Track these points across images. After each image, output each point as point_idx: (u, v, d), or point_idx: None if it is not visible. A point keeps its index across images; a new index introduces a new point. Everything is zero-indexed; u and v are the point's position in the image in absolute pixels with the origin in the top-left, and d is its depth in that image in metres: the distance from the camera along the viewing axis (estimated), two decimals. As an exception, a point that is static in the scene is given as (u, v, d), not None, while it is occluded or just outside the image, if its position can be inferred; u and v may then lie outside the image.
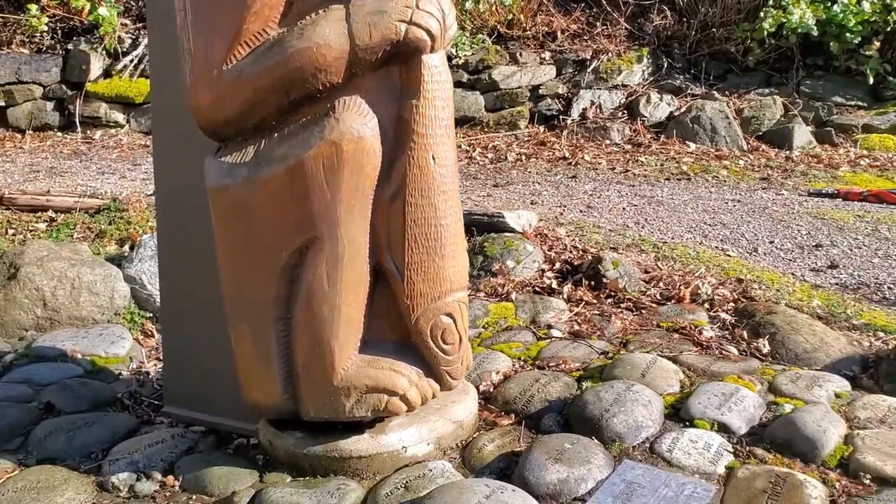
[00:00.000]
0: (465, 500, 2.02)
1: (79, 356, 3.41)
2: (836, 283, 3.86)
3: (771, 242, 4.40)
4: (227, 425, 2.72)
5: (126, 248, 4.24)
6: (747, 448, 2.38)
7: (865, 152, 6.46)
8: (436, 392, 2.39)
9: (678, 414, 2.55)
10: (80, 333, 3.58)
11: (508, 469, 2.35)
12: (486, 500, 2.03)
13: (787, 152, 6.45)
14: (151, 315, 3.79)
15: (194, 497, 2.35)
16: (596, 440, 2.40)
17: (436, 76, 2.24)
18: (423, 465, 2.36)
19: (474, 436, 2.56)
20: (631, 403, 2.51)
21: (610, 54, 7.26)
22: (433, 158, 2.25)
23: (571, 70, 7.32)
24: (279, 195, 2.17)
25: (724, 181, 5.71)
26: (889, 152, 6.43)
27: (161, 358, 3.52)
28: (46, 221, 4.58)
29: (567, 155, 6.30)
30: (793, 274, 3.97)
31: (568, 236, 4.23)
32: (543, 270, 3.94)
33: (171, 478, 2.45)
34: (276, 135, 2.21)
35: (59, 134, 7.37)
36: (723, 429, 2.46)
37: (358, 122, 2.17)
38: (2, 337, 3.61)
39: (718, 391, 2.61)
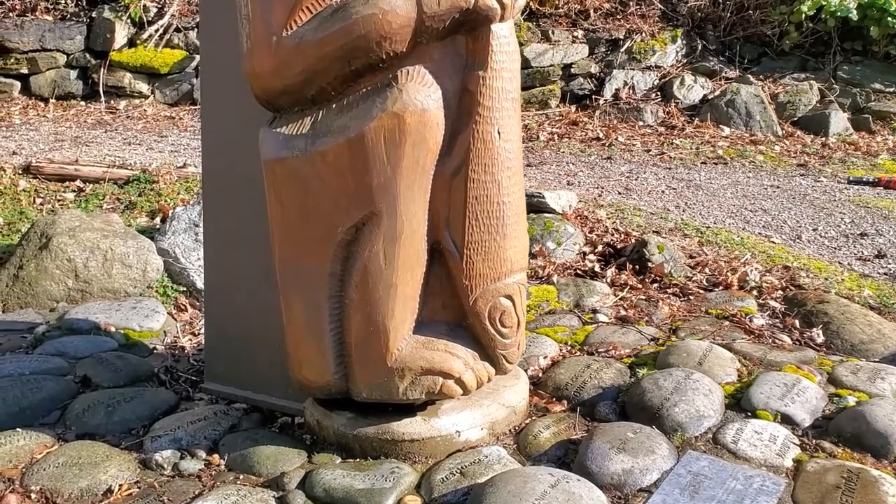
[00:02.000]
0: (529, 489, 1.94)
1: (112, 329, 3.35)
2: (885, 273, 3.76)
3: (814, 230, 4.29)
4: (270, 403, 2.65)
5: (157, 220, 4.17)
6: (814, 441, 2.29)
7: (905, 140, 6.33)
8: (491, 376, 2.32)
9: (739, 404, 2.46)
10: (112, 306, 3.51)
11: (566, 457, 2.28)
12: (551, 489, 1.95)
13: (823, 139, 6.31)
14: (185, 289, 3.72)
15: (241, 477, 2.28)
16: (656, 429, 2.32)
17: (504, 46, 2.14)
18: (477, 450, 2.29)
19: (527, 422, 2.48)
20: (691, 392, 2.43)
21: (643, 34, 7.11)
22: (498, 133, 2.16)
23: (604, 49, 7.19)
24: (337, 168, 2.09)
25: (761, 167, 5.59)
26: (929, 140, 6.30)
27: (196, 333, 3.46)
28: (74, 191, 4.51)
29: (600, 135, 6.19)
30: (839, 263, 3.87)
31: (609, 218, 4.13)
32: (585, 253, 3.85)
33: (216, 456, 2.38)
34: (334, 105, 2.12)
35: (83, 103, 7.29)
36: (786, 420, 2.38)
37: (422, 93, 2.08)
38: (33, 308, 3.55)
39: (779, 381, 2.52)
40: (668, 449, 2.21)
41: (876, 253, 4.01)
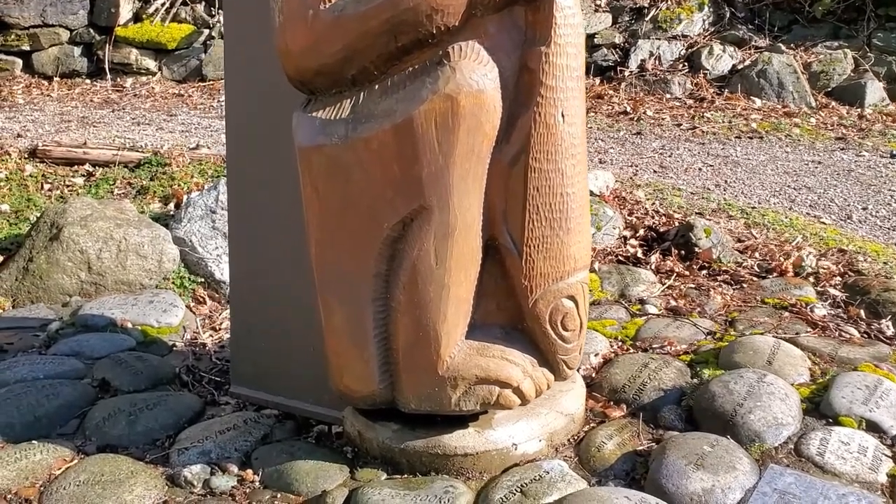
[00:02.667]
0: (605, 517, 1.74)
1: (129, 325, 3.15)
2: (947, 256, 3.54)
3: (864, 209, 4.07)
4: (304, 410, 2.45)
5: (171, 206, 3.95)
6: (906, 452, 2.09)
7: (944, 111, 6.06)
8: (550, 383, 2.11)
9: (818, 409, 2.26)
10: (128, 300, 3.31)
11: (634, 471, 2.08)
12: (628, 515, 1.75)
13: (859, 110, 6.06)
14: (203, 280, 3.52)
15: (279, 496, 2.09)
16: (733, 440, 2.12)
17: (569, 18, 1.91)
18: (536, 464, 2.09)
19: (585, 430, 2.28)
20: (767, 397, 2.22)
21: (669, 2, 6.83)
22: (562, 115, 1.93)
23: (628, 18, 6.90)
24: (382, 157, 1.87)
25: (798, 140, 5.35)
26: (970, 112, 6.03)
27: (216, 328, 3.26)
28: (84, 176, 4.29)
29: (628, 109, 5.93)
30: (896, 245, 3.65)
31: (648, 199, 3.91)
32: (625, 238, 3.63)
33: (249, 472, 2.19)
34: (377, 86, 1.90)
35: (88, 81, 7.04)
36: (872, 427, 2.17)
37: (477, 72, 1.85)
38: (45, 303, 3.35)
39: (860, 383, 2.32)
40: (748, 463, 2.00)
41: (933, 234, 3.79)
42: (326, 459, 2.18)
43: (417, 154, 1.85)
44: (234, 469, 2.21)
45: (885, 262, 3.38)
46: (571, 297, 2.04)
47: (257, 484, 2.15)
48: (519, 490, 1.98)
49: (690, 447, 2.02)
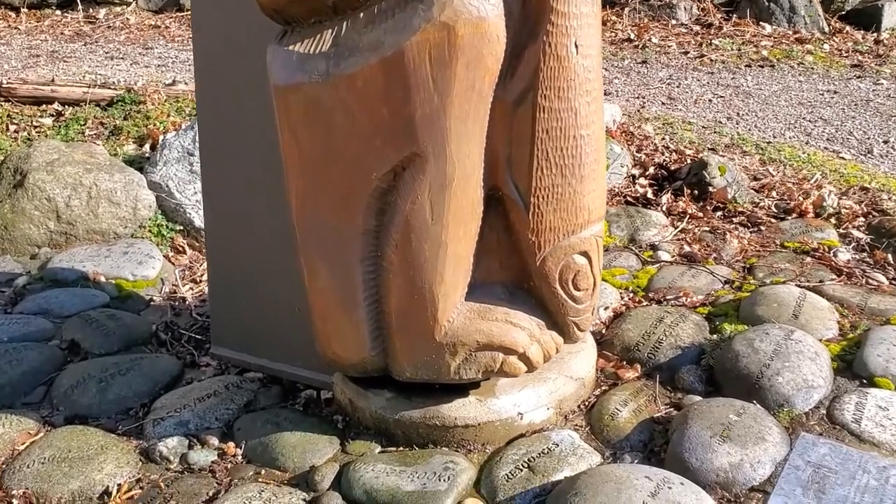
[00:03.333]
0: (625, 500, 1.56)
1: (102, 279, 2.93)
2: (975, 193, 3.31)
3: (885, 142, 3.82)
4: (291, 374, 2.25)
5: (146, 148, 3.69)
6: (950, 417, 1.90)
7: (962, 35, 5.76)
8: (559, 347, 1.91)
9: (851, 368, 2.07)
10: (101, 251, 3.08)
11: (653, 442, 1.89)
12: (651, 499, 1.57)
13: (875, 34, 5.75)
14: (182, 228, 3.28)
15: (263, 472, 1.91)
16: (756, 404, 1.93)
17: (584, -68, 1.64)
18: (544, 435, 1.91)
19: (596, 393, 2.09)
20: (795, 356, 2.03)
21: (673, -80, 6.41)
22: (576, 46, 1.68)
23: (630, -61, 6.50)
24: (369, 97, 1.63)
25: (812, 69, 5.06)
26: None
27: (197, 280, 3.05)
28: (52, 115, 4.01)
29: (632, 36, 5.61)
30: (922, 181, 3.42)
31: (657, 135, 3.66)
32: (634, 177, 3.39)
33: (230, 444, 2.01)
34: (362, 15, 1.64)
35: (59, 12, 6.65)
36: (911, 390, 1.99)
37: (477, -4, 1.59)
38: (11, 255, 3.12)
39: (895, 339, 2.12)
40: (778, 433, 1.82)
41: (959, 168, 3.56)
42: (315, 430, 2.00)
43: (409, 93, 1.61)
44: (215, 442, 2.03)
45: (910, 201, 3.16)
46: (584, 253, 1.83)
47: (240, 458, 1.97)
48: (526, 465, 1.80)
49: (715, 416, 1.83)
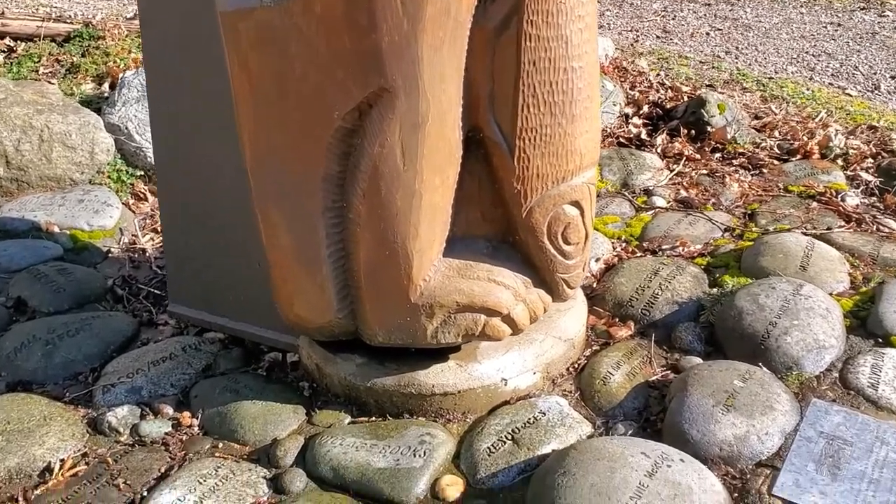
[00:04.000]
0: (620, 483, 1.39)
1: (56, 230, 2.71)
2: None
3: (893, 78, 3.61)
4: (253, 334, 2.06)
5: (105, 87, 3.43)
6: (973, 380, 1.74)
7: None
8: (547, 306, 1.73)
9: (865, 326, 1.90)
10: (55, 199, 2.86)
11: (648, 410, 1.72)
12: (648, 480, 1.40)
13: (879, -36, 5.46)
14: (143, 173, 3.06)
15: (221, 445, 1.74)
16: (763, 367, 1.76)
17: None
18: (530, 402, 1.73)
19: (586, 354, 1.92)
20: (805, 314, 1.85)
21: None
22: (566, -36, 1.45)
23: None
24: (328, 24, 1.40)
25: (814, 0, 4.80)
26: None
27: (158, 230, 2.83)
28: (3, 52, 3.73)
29: (624, -34, 5.31)
30: (932, 119, 3.22)
31: (652, 70, 3.42)
32: (627, 116, 3.17)
33: (186, 414, 1.83)
34: (319, -75, 1.40)
35: (17, -59, 6.24)
36: (930, 349, 1.82)
37: None
38: (-42, 203, 2.89)
39: (913, 293, 1.95)
40: (787, 401, 1.65)
41: (971, 105, 3.35)
42: (278, 399, 1.82)
43: (374, 18, 1.38)
44: (169, 411, 1.85)
45: (921, 140, 2.96)
46: (575, 203, 1.63)
47: (196, 429, 1.80)
48: (510, 437, 1.63)
49: (718, 382, 1.66)
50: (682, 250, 2.32)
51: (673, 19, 4.27)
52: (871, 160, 2.83)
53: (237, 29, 1.49)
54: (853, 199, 2.59)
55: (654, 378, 1.81)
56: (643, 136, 3.03)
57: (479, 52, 1.49)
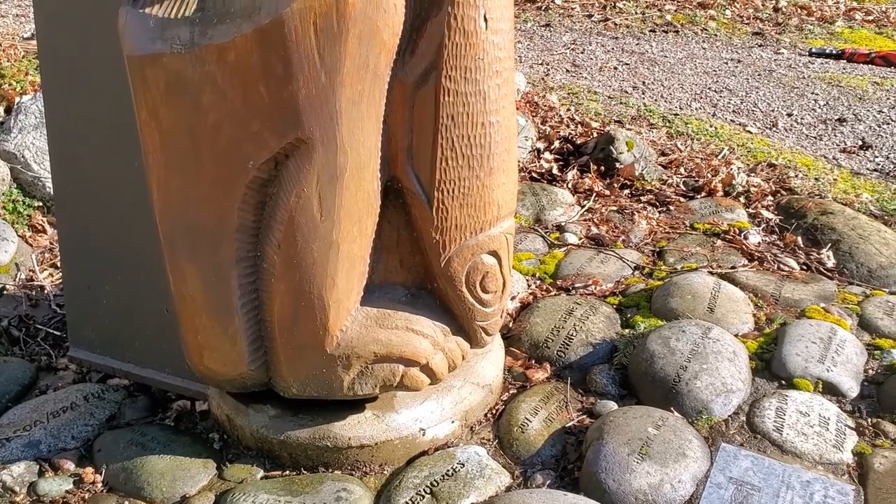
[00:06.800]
0: (539, 539, 1.39)
1: (-56, 265, 2.55)
2: (875, 170, 3.30)
3: (789, 115, 3.78)
4: (160, 381, 1.98)
5: (0, 111, 3.25)
6: (869, 420, 1.82)
7: (856, 4, 5.83)
8: (465, 354, 1.73)
9: (770, 368, 1.96)
10: (-57, 231, 2.69)
11: (566, 458, 1.74)
12: (567, 535, 1.41)
13: (774, 2, 5.74)
14: (41, 204, 2.91)
15: (126, 503, 1.65)
16: (675, 412, 1.80)
17: None
18: (448, 452, 1.72)
19: (504, 399, 1.92)
20: (713, 357, 1.91)
21: None
22: (485, 19, 1.46)
23: None
24: (243, 74, 1.37)
25: (715, 35, 5.00)
26: (881, 4, 5.82)
27: (58, 265, 2.70)
28: None
29: (535, -3, 5.42)
30: (825, 157, 3.38)
31: (563, 105, 3.49)
32: (539, 151, 3.22)
33: (89, 470, 1.74)
34: (234, -27, 1.36)
35: None
36: (829, 390, 1.90)
37: (371, -43, 1.34)
38: None
39: (813, 335, 2.03)
40: (699, 447, 1.69)
41: (860, 143, 3.54)
42: (187, 452, 1.75)
43: (291, 70, 1.35)
44: (70, 466, 1.76)
45: (816, 178, 3.11)
46: (493, 253, 1.63)
47: (99, 486, 1.71)
48: (428, 490, 1.62)
49: (633, 429, 1.68)
50: (595, 289, 2.36)
51: (582, 52, 4.37)
52: (770, 198, 2.95)
53: (145, 75, 1.43)
54: (755, 238, 2.69)
55: (570, 423, 1.82)
56: (555, 171, 3.08)
57: (398, 106, 1.48)
